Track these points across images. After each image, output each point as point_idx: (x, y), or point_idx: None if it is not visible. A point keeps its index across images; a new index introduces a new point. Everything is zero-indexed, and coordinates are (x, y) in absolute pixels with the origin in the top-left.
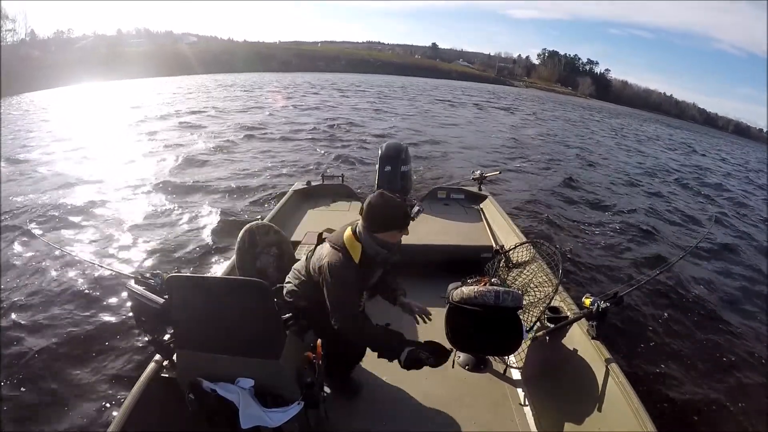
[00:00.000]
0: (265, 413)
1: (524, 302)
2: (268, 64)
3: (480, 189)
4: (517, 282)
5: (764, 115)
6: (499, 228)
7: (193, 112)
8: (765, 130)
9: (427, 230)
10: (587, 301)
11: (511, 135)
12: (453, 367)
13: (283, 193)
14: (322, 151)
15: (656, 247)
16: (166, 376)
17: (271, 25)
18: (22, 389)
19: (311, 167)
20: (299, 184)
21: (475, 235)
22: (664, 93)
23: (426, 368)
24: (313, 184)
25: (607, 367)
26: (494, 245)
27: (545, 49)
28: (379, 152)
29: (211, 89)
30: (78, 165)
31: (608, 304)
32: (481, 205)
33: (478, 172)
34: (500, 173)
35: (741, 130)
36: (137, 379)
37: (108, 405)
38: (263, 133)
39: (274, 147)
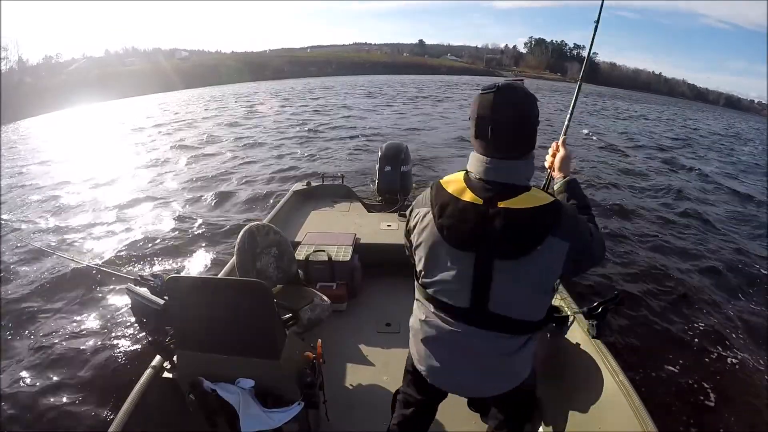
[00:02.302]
0: (265, 414)
1: None
2: (262, 73)
3: None
4: None
5: (757, 87)
6: None
7: (193, 122)
8: (757, 101)
9: None
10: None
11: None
12: None
13: (283, 194)
14: (322, 152)
15: (657, 245)
16: (167, 376)
17: (258, 34)
18: (23, 390)
19: (311, 168)
20: (299, 185)
21: None
22: (653, 72)
23: None
24: (313, 184)
25: (607, 366)
26: None
27: (532, 37)
28: (379, 153)
29: (208, 101)
30: (78, 173)
31: (609, 304)
32: None
33: None
34: None
35: (732, 103)
36: (137, 379)
37: (108, 405)
38: (264, 136)
39: (275, 149)
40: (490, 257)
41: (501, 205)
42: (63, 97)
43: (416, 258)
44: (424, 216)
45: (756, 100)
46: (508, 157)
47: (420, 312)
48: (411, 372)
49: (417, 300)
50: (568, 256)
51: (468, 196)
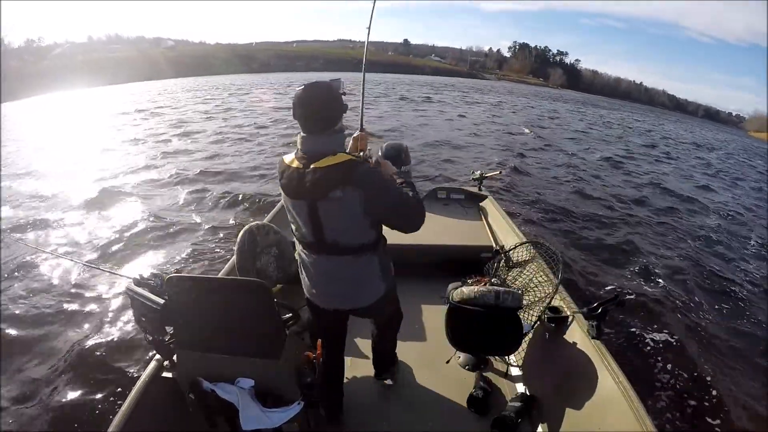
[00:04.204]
0: (265, 413)
1: (524, 302)
2: (249, 65)
3: (480, 189)
4: (517, 282)
5: (736, 100)
6: (499, 228)
7: (190, 115)
8: (735, 113)
9: (427, 230)
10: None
11: (501, 132)
12: (448, 362)
13: None
14: None
15: (658, 245)
16: (166, 376)
17: (242, 26)
18: (23, 390)
19: None
20: None
21: (475, 235)
22: (634, 81)
23: (426, 369)
24: None
25: (607, 366)
26: (494, 245)
27: (516, 41)
28: (379, 152)
29: (200, 91)
30: (76, 170)
31: (609, 305)
32: (481, 205)
33: (478, 172)
34: (500, 173)
35: (711, 115)
36: (137, 379)
37: (108, 405)
38: (262, 134)
39: (274, 148)
40: (313, 200)
41: (312, 166)
42: (49, 82)
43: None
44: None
45: (734, 113)
46: (315, 132)
47: (298, 251)
48: (306, 299)
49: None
50: (364, 200)
51: (294, 164)
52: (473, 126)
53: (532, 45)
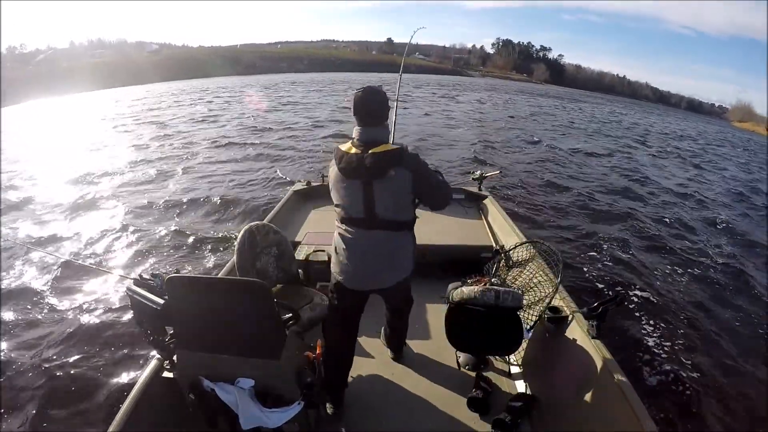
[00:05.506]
0: (264, 413)
1: (524, 302)
2: (235, 67)
3: (480, 189)
4: (517, 282)
5: (717, 90)
6: (499, 228)
7: (187, 116)
8: (717, 104)
9: (427, 230)
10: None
11: (496, 131)
12: (458, 368)
13: (283, 194)
14: (321, 152)
15: (659, 244)
16: (166, 376)
17: (225, 28)
18: (23, 390)
19: (311, 167)
20: (299, 185)
21: (475, 235)
22: (617, 75)
23: (426, 369)
24: (312, 184)
25: (607, 366)
26: (494, 245)
27: (499, 38)
28: None
29: (195, 94)
30: (76, 171)
31: (609, 304)
32: (481, 205)
33: (478, 172)
34: (500, 173)
35: (694, 107)
36: (137, 379)
37: (108, 405)
38: (261, 134)
39: (273, 148)
40: (369, 180)
41: (370, 151)
42: (35, 89)
43: (333, 196)
44: (332, 169)
45: (717, 104)
46: (370, 125)
47: (337, 232)
48: (333, 284)
49: (336, 227)
50: (413, 179)
51: (353, 150)
52: (463, 123)
53: (515, 41)
